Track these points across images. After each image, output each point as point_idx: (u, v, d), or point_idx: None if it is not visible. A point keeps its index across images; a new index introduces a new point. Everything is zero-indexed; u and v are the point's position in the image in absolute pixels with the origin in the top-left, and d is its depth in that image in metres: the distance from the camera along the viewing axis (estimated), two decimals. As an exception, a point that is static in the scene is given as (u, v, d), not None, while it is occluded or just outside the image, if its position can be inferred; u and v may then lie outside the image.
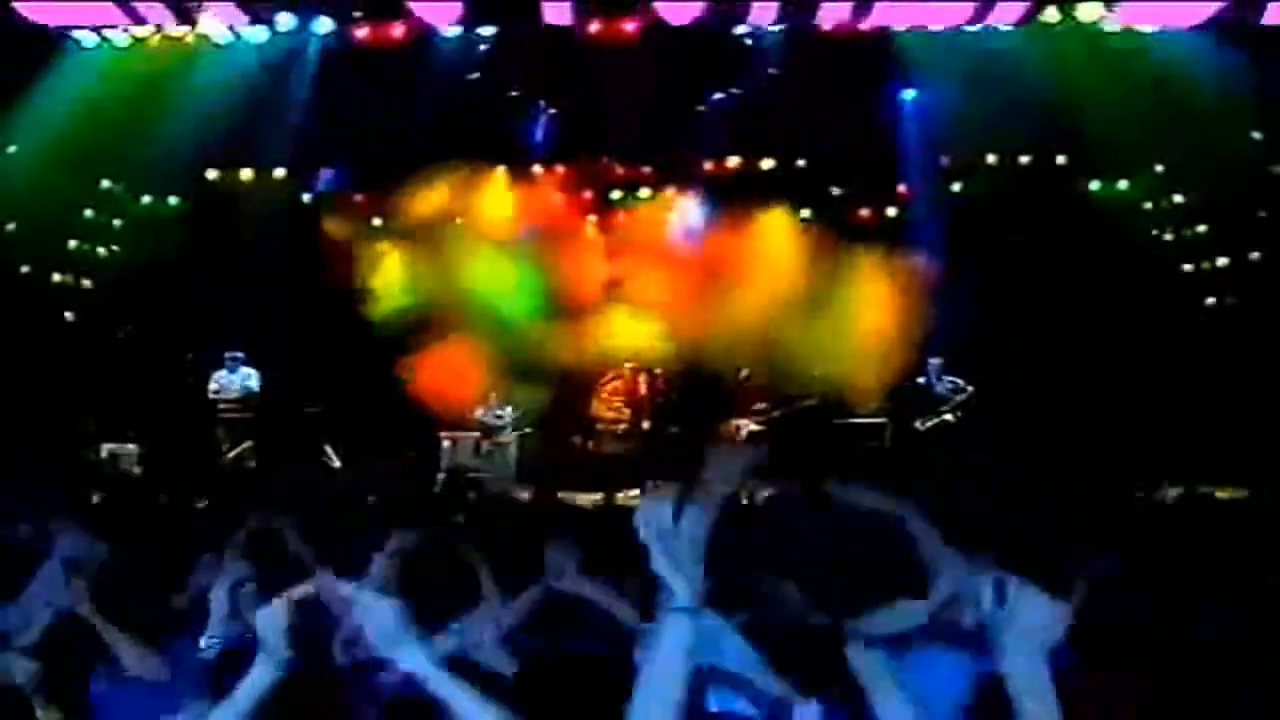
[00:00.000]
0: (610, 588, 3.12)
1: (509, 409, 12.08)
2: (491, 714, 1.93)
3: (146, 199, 13.89)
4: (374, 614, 1.99)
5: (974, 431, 11.36)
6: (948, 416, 11.65)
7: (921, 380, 11.88)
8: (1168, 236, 13.40)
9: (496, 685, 2.20)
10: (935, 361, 11.83)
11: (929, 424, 11.71)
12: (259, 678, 2.12)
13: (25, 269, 12.38)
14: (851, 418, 12.24)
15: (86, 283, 13.30)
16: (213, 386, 11.68)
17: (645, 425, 12.16)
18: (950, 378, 11.81)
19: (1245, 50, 10.81)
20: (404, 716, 2.21)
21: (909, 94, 13.06)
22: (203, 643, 2.88)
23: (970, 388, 11.69)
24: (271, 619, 2.17)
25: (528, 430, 12.19)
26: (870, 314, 12.45)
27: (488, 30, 12.10)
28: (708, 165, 13.82)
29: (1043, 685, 1.73)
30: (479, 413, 12.05)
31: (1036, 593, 1.78)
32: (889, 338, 12.23)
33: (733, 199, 13.46)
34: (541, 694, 2.24)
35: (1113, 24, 11.56)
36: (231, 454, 11.45)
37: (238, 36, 11.84)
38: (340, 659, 2.46)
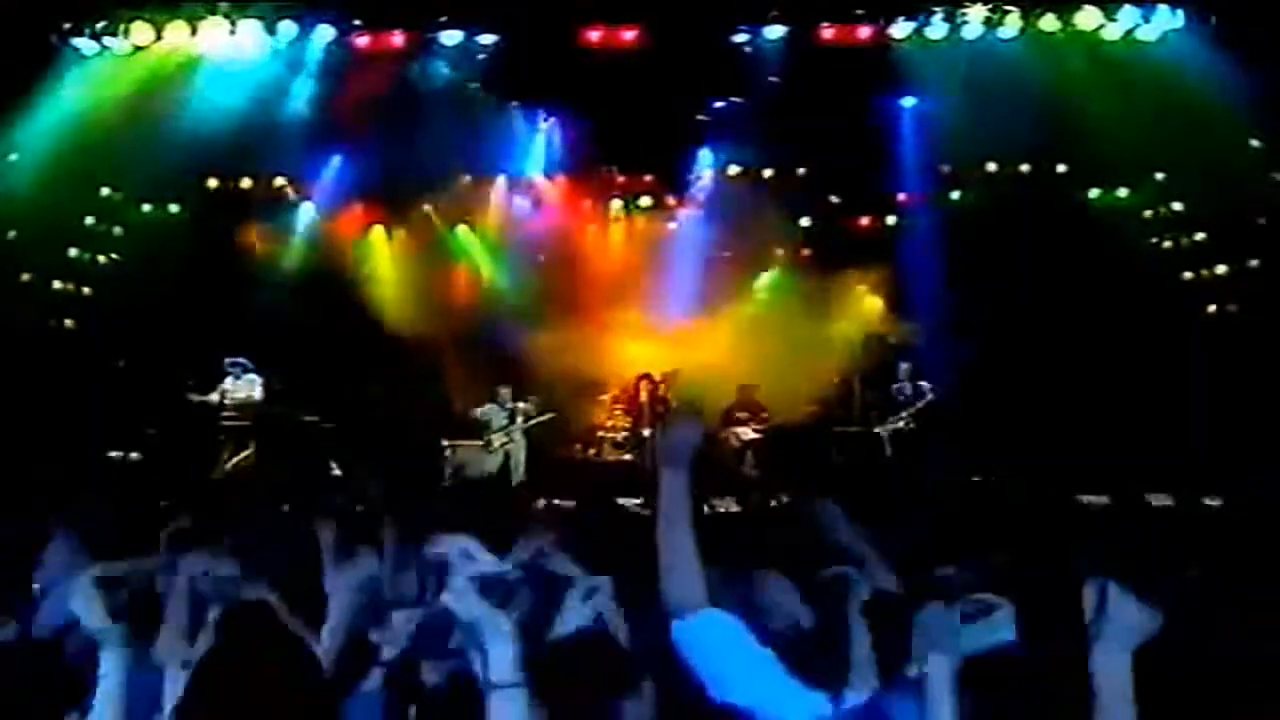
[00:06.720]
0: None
1: (511, 415, 12.04)
2: None
3: (147, 207, 13.93)
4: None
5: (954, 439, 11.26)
6: (903, 422, 11.61)
7: (895, 386, 11.83)
8: (1167, 244, 13.40)
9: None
10: (905, 366, 11.76)
11: (889, 429, 11.67)
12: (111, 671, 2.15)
13: (26, 277, 12.39)
14: (851, 426, 12.22)
15: (87, 290, 13.32)
16: (214, 396, 11.60)
17: (645, 433, 12.14)
18: (916, 382, 11.73)
19: (1244, 58, 10.81)
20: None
21: (908, 102, 13.08)
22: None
23: (931, 394, 11.63)
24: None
25: (530, 437, 12.15)
26: (869, 323, 12.42)
27: (488, 39, 12.11)
28: (708, 174, 13.85)
29: (1124, 680, 1.87)
30: (481, 419, 12.00)
31: (1132, 598, 1.93)
32: (887, 346, 12.22)
33: (733, 207, 13.47)
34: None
35: (1112, 33, 11.59)
36: (232, 461, 11.40)
37: (238, 45, 11.84)
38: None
